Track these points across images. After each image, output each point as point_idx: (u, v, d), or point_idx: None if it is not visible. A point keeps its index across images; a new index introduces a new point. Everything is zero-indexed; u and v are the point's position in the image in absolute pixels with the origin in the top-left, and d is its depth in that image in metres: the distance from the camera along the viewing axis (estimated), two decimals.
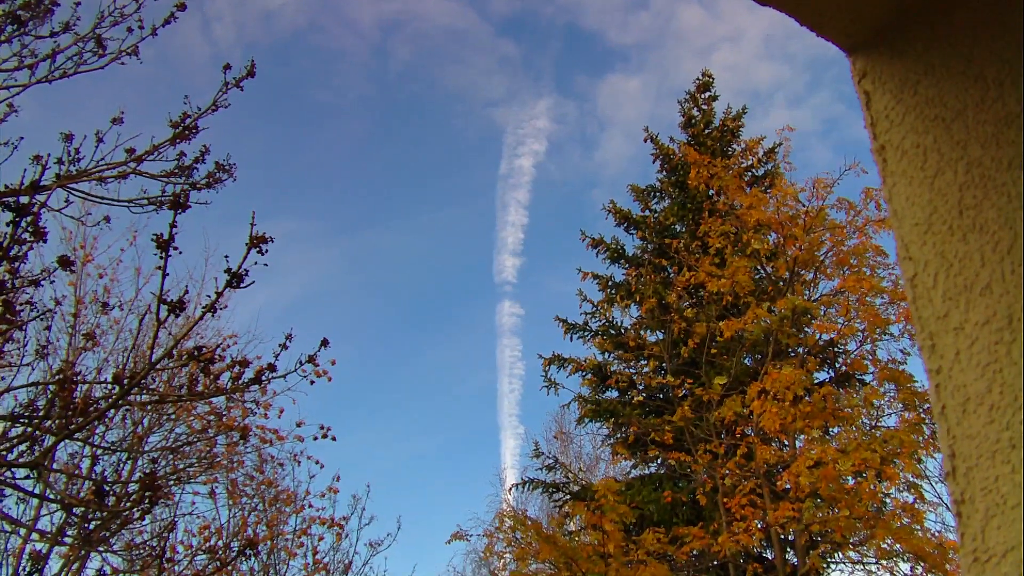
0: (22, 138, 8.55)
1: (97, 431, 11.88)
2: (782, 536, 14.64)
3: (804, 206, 15.32)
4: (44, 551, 12.16)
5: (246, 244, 4.94)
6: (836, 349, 18.25)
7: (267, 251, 5.05)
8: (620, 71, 55.21)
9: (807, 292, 15.90)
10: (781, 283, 16.09)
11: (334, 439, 16.06)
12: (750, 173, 20.99)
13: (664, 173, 22.87)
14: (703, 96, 23.61)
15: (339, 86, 50.27)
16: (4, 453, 5.39)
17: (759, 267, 16.36)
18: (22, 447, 5.64)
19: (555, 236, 55.02)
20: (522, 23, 53.94)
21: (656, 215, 22.15)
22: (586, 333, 20.92)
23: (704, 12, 49.34)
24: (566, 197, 58.01)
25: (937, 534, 13.69)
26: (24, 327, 8.81)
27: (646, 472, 19.83)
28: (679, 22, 50.40)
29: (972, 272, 1.33)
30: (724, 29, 50.23)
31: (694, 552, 15.16)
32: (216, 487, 16.11)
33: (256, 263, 5.04)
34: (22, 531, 12.77)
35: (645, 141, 22.92)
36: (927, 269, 1.39)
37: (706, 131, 22.58)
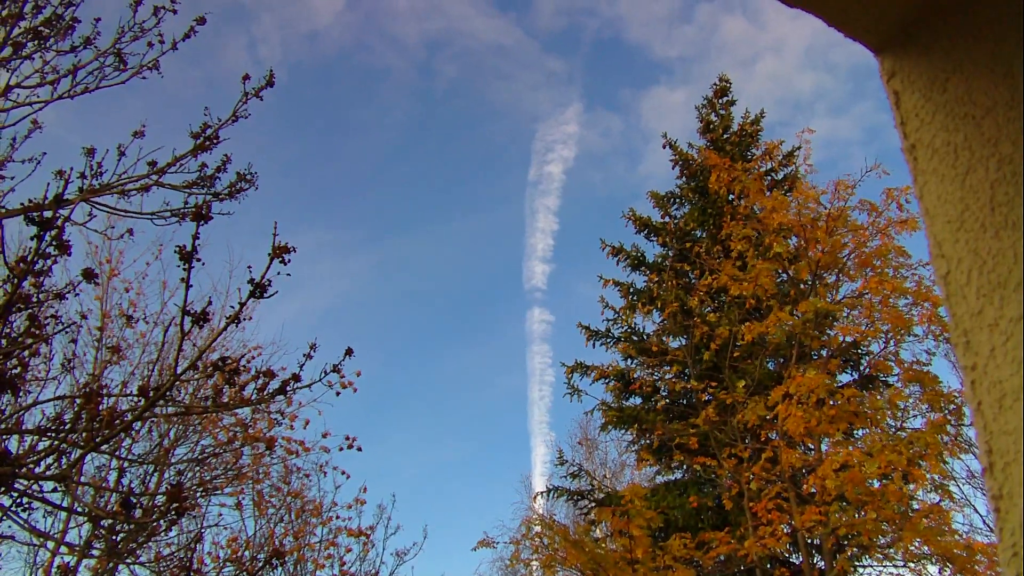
0: (45, 153, 8.64)
1: (124, 444, 11.95)
2: (809, 540, 14.59)
3: (826, 208, 15.26)
4: (73, 563, 12.20)
5: (269, 254, 4.95)
6: (859, 351, 18.19)
7: (290, 261, 5.06)
8: (664, 83, 55.31)
9: (830, 294, 15.83)
10: (803, 286, 16.03)
11: (360, 449, 16.14)
12: (770, 177, 20.96)
13: (684, 179, 22.85)
14: (721, 101, 23.60)
15: (381, 103, 50.71)
16: (32, 466, 5.42)
17: (781, 270, 16.31)
18: (49, 460, 5.66)
19: (587, 243, 55.16)
20: (567, 38, 54.16)
21: (676, 221, 22.13)
22: (609, 340, 20.91)
23: (747, 23, 49.50)
24: (607, 208, 58.01)
25: (965, 535, 13.63)
26: (50, 341, 8.87)
27: (671, 478, 19.80)
28: (722, 34, 50.59)
29: (1006, 268, 1.33)
30: (767, 39, 50.36)
31: (721, 557, 15.11)
32: (242, 498, 16.18)
33: (279, 273, 5.06)
34: (51, 544, 12.85)
35: (664, 147, 22.93)
36: (960, 266, 1.39)
37: (725, 136, 22.57)
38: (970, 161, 1.43)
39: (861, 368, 18.55)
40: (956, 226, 1.42)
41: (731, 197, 19.24)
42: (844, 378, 18.19)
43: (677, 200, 22.82)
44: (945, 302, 1.42)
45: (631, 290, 21.07)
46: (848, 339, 15.72)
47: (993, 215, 1.36)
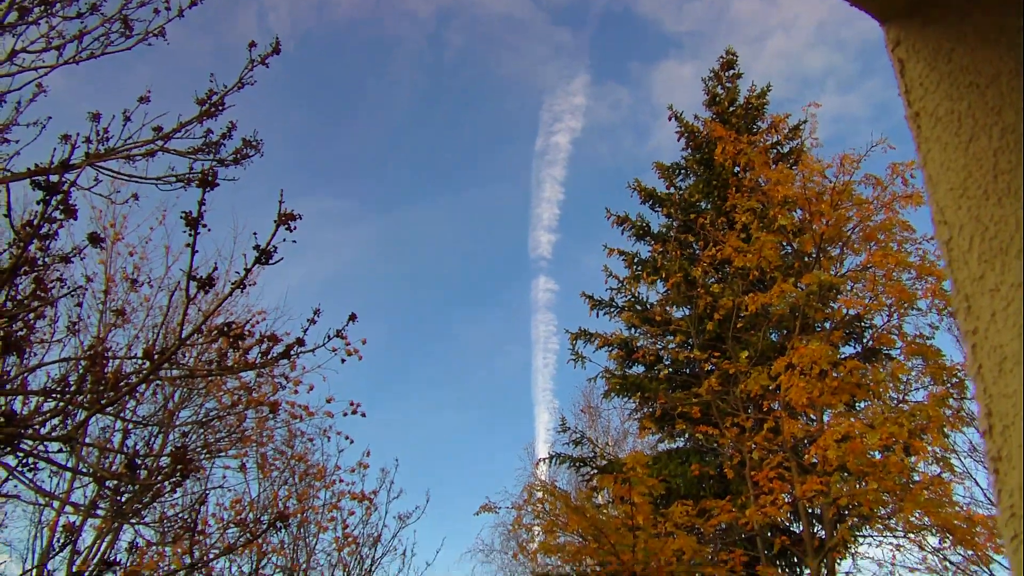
0: (50, 118, 8.62)
1: (128, 406, 11.99)
2: (810, 509, 14.66)
3: (831, 182, 15.24)
4: (78, 523, 12.30)
5: (274, 221, 4.96)
6: (863, 324, 18.22)
7: (295, 228, 5.07)
8: (674, 58, 55.06)
9: (834, 267, 15.84)
10: (807, 258, 16.03)
11: (363, 415, 16.23)
12: (776, 150, 20.92)
13: (689, 151, 22.84)
14: (727, 74, 23.54)
15: (390, 73, 50.60)
16: (37, 427, 5.45)
17: (785, 242, 16.31)
18: (55, 421, 5.69)
19: (593, 214, 54.92)
20: (577, 10, 53.90)
21: (681, 192, 22.14)
22: (612, 309, 20.95)
23: (759, 0, 49.10)
24: (615, 180, 57.87)
25: (966, 507, 13.68)
26: (55, 304, 8.90)
27: (673, 446, 19.89)
28: (734, 10, 50.19)
29: (1007, 235, 1.34)
30: (778, 16, 50.05)
31: (722, 525, 15.18)
32: (246, 461, 16.28)
33: (284, 240, 5.06)
34: (56, 504, 12.95)
35: (670, 119, 22.90)
36: (962, 233, 1.41)
37: (730, 108, 22.51)
38: (973, 129, 1.44)
39: (864, 341, 18.58)
40: (959, 193, 1.43)
41: (736, 169, 19.24)
42: (847, 350, 18.24)
43: (682, 171, 22.82)
44: (947, 267, 1.44)
45: (635, 260, 21.09)
46: (851, 312, 15.74)
47: (996, 182, 1.38)
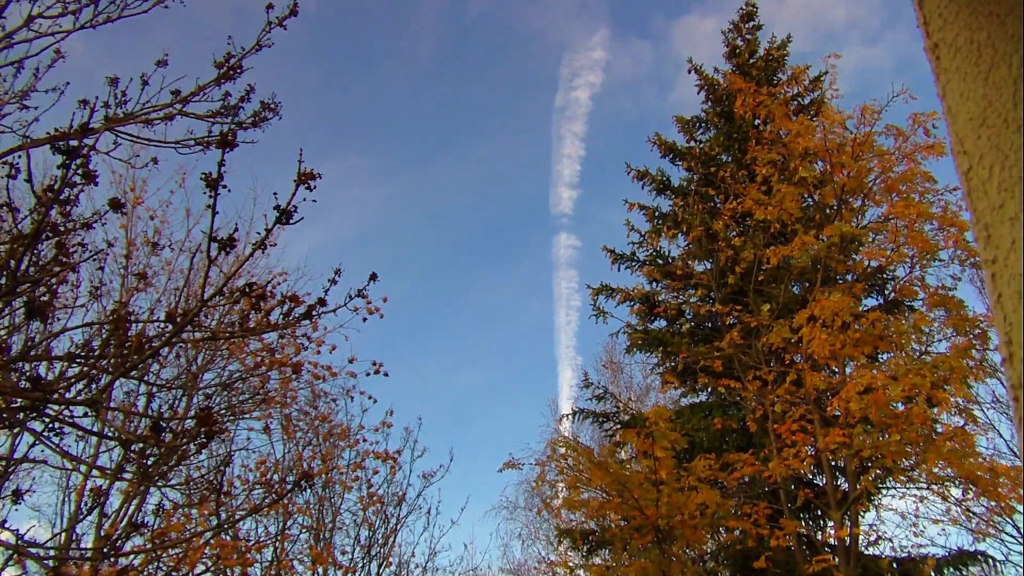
0: (68, 83, 8.64)
1: (152, 369, 12.12)
2: (833, 462, 14.68)
3: (852, 133, 15.13)
4: (105, 487, 12.46)
5: (294, 181, 4.96)
6: (885, 275, 18.13)
7: (315, 187, 5.06)
8: (696, 12, 54.53)
9: (855, 219, 15.75)
10: (829, 210, 15.95)
11: (386, 375, 16.28)
12: (796, 102, 20.77)
13: (709, 104, 22.68)
14: (747, 26, 23.29)
15: (411, 29, 50.44)
16: (62, 392, 5.50)
17: (806, 195, 16.22)
18: (79, 386, 5.74)
19: (615, 169, 54.70)
20: None
21: (702, 145, 22.01)
22: (634, 263, 20.91)
23: None
24: (638, 134, 57.31)
25: (989, 458, 13.66)
26: (77, 269, 8.96)
27: (696, 400, 19.90)
28: None
29: None
30: None
31: (745, 478, 15.21)
32: (270, 422, 16.41)
33: (305, 199, 5.06)
34: (83, 468, 13.11)
35: (689, 72, 22.70)
36: (982, 162, 1.40)
37: (751, 61, 22.31)
38: (993, 59, 1.43)
39: (886, 293, 18.49)
40: (978, 123, 1.42)
41: (756, 122, 19.09)
42: (869, 302, 18.16)
43: (703, 125, 22.67)
44: (966, 198, 1.43)
45: (656, 214, 21.01)
46: (873, 263, 15.67)
47: (1016, 111, 1.37)
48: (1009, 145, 1.36)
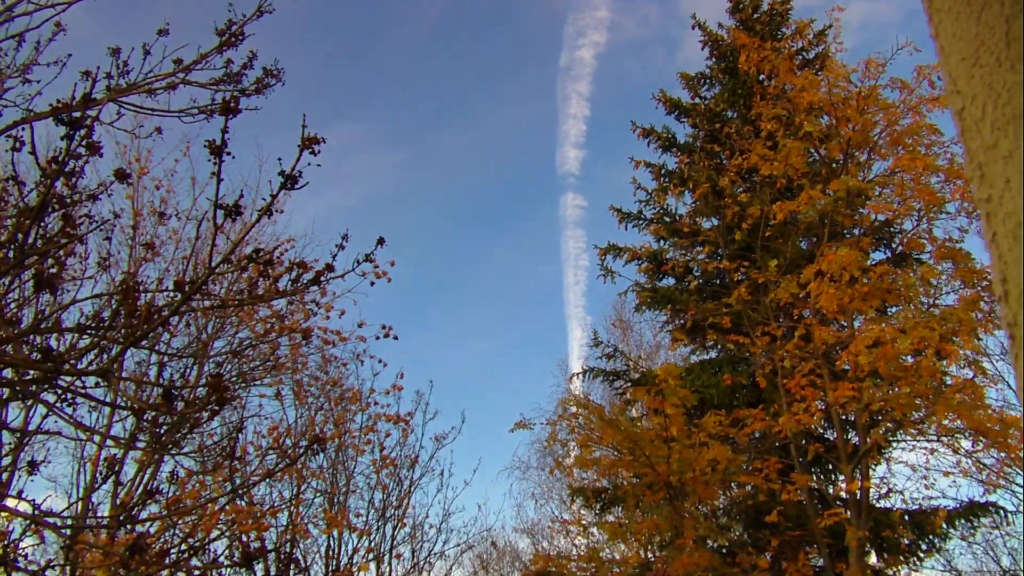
0: (70, 55, 8.63)
1: (162, 338, 12.15)
2: (843, 416, 14.72)
3: (857, 87, 15.05)
4: (119, 456, 12.55)
5: (298, 146, 4.96)
6: (892, 229, 18.10)
7: (320, 152, 5.06)
8: None
9: (861, 173, 15.72)
10: (835, 164, 15.90)
11: (396, 338, 16.36)
12: (801, 56, 20.62)
13: (713, 60, 22.51)
14: None
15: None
16: (74, 363, 5.52)
17: (812, 149, 16.16)
18: (90, 356, 5.76)
19: (621, 128, 54.30)
20: None
21: (706, 102, 21.89)
22: (641, 221, 20.85)
23: None
24: (645, 93, 56.97)
25: (998, 410, 13.67)
26: (85, 240, 8.97)
27: (705, 357, 19.90)
28: None
29: (1020, 102, 1.34)
30: None
31: (755, 434, 15.27)
32: (282, 388, 16.50)
33: (309, 164, 5.06)
34: (97, 438, 13.19)
35: (693, 28, 22.54)
36: (975, 101, 1.40)
37: (754, 16, 22.12)
38: None
39: (893, 246, 18.45)
40: (971, 62, 1.42)
41: (761, 77, 18.98)
42: (877, 256, 18.13)
43: (707, 81, 22.53)
44: (960, 137, 1.43)
45: (662, 171, 20.94)
46: (880, 217, 15.66)
47: (1008, 49, 1.37)
48: (1002, 84, 1.37)
